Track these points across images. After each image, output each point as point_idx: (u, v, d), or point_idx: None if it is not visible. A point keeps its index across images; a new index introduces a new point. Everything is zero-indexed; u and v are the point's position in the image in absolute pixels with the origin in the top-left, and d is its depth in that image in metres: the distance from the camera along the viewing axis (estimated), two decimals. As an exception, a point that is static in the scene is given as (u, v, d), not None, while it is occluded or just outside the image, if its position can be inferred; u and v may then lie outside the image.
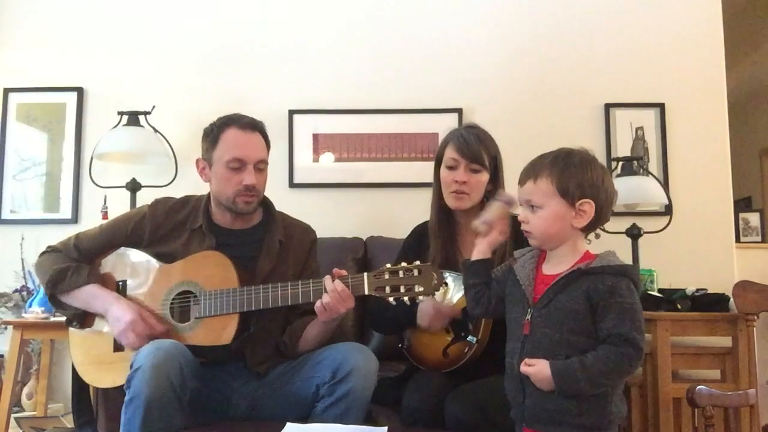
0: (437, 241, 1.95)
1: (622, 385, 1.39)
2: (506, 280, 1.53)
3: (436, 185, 1.98)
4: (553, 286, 1.40)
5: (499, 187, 1.94)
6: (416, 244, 2.03)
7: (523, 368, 1.36)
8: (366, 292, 1.66)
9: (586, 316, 1.34)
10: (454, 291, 1.86)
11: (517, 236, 1.92)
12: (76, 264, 1.86)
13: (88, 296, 1.83)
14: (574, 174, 1.40)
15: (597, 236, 1.84)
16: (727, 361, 2.47)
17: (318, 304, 1.69)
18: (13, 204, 3.09)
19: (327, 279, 1.69)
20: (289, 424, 1.51)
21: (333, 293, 1.66)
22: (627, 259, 2.81)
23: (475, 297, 1.57)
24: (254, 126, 1.89)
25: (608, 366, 1.31)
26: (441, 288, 1.72)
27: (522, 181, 1.45)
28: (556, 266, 1.43)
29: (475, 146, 1.88)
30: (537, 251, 1.49)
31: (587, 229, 1.44)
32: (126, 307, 1.77)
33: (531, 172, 1.44)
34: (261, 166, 1.88)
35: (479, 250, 1.59)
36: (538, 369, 1.34)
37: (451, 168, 1.90)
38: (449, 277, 1.85)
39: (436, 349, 1.87)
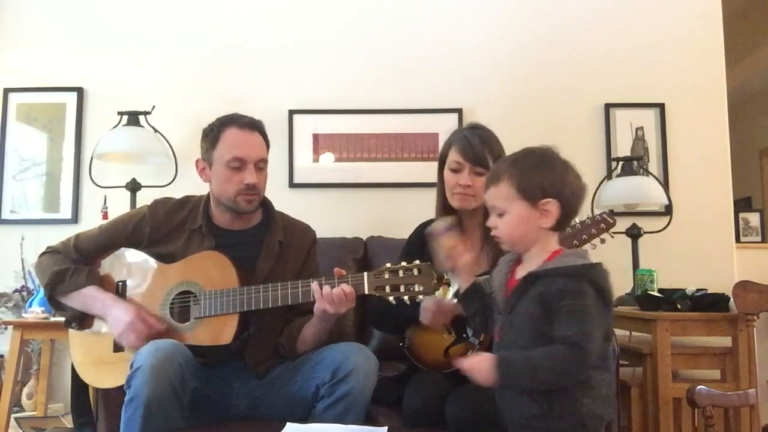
0: None
1: (599, 388, 1.34)
2: None
3: (440, 185, 1.98)
4: (514, 291, 1.38)
5: None
6: (419, 242, 2.02)
7: (458, 364, 1.35)
8: (366, 292, 1.66)
9: (544, 320, 1.31)
10: (455, 289, 1.85)
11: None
12: (75, 266, 1.86)
13: (86, 298, 1.83)
14: (533, 174, 1.37)
15: (603, 241, 1.85)
16: (727, 361, 2.47)
17: (316, 306, 1.69)
18: (13, 204, 3.09)
19: (314, 286, 1.68)
20: (289, 424, 1.51)
21: (323, 300, 1.67)
22: (627, 259, 2.82)
23: (481, 322, 1.53)
24: (254, 125, 1.89)
25: (551, 365, 1.28)
26: (442, 287, 1.71)
27: (486, 187, 1.44)
28: (526, 269, 1.40)
29: (479, 149, 1.87)
30: (514, 255, 1.47)
31: (558, 228, 1.40)
32: (125, 309, 1.77)
33: (492, 176, 1.43)
34: (261, 165, 1.88)
35: (460, 282, 1.55)
36: (473, 362, 1.33)
37: (455, 171, 1.90)
38: (453, 277, 1.85)
39: (437, 350, 1.86)
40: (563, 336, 1.27)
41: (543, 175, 1.37)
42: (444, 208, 1.98)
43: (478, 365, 1.32)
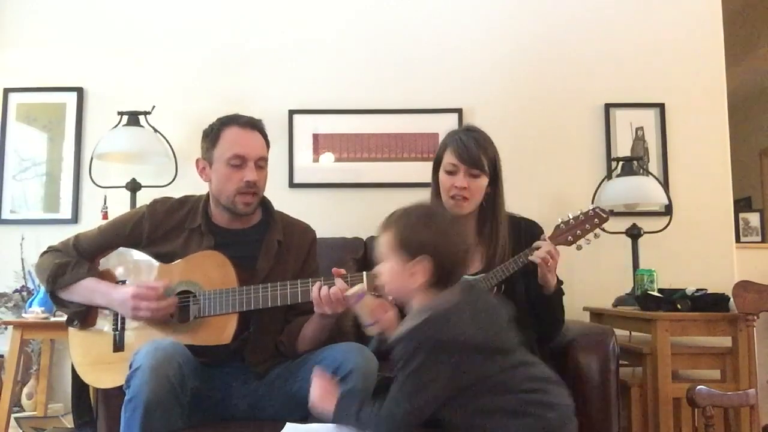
0: None
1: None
2: None
3: (435, 187, 1.98)
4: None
5: (498, 191, 1.94)
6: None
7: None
8: (366, 292, 1.66)
9: None
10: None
11: (512, 237, 1.93)
12: (75, 259, 1.87)
13: (87, 290, 1.83)
14: (410, 231, 1.39)
15: (596, 236, 1.85)
16: (727, 361, 2.47)
17: (314, 296, 1.70)
18: (13, 204, 3.09)
19: (314, 288, 1.69)
20: (288, 424, 1.51)
21: (321, 303, 1.68)
22: (627, 259, 2.83)
23: None
24: (254, 125, 1.90)
25: (370, 422, 1.33)
26: None
27: (377, 234, 1.46)
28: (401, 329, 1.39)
29: (474, 151, 1.87)
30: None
31: (436, 286, 1.38)
32: (124, 288, 1.80)
33: (381, 225, 1.44)
34: (261, 164, 1.88)
35: (388, 335, 1.48)
36: (318, 395, 1.42)
37: (450, 173, 1.90)
38: None
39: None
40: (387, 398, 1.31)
41: (420, 232, 1.38)
42: None
43: (327, 395, 1.41)
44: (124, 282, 1.88)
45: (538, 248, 1.78)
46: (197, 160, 1.93)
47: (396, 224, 1.41)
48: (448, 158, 1.91)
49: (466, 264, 1.42)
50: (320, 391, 1.44)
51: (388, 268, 1.41)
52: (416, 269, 1.37)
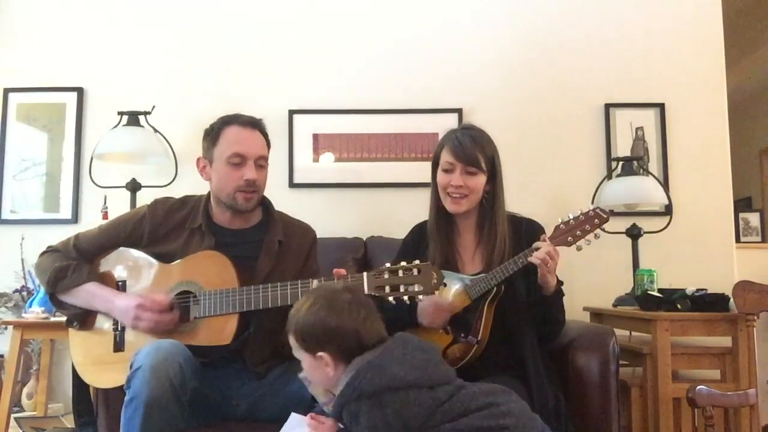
0: (435, 242, 1.96)
1: None
2: None
3: (434, 187, 1.98)
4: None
5: (497, 188, 1.94)
6: (415, 242, 2.03)
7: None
8: (366, 292, 1.66)
9: None
10: (451, 289, 1.86)
11: (512, 237, 1.93)
12: (76, 262, 1.86)
13: (88, 295, 1.83)
14: (303, 326, 1.40)
15: (597, 236, 1.85)
16: (727, 361, 2.47)
17: None
18: (13, 204, 3.09)
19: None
20: (294, 414, 1.50)
21: None
22: (627, 259, 2.83)
23: None
24: (255, 124, 1.91)
25: None
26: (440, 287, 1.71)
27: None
28: None
29: (470, 149, 1.87)
30: None
31: (348, 359, 1.38)
32: (128, 297, 1.79)
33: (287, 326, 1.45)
34: (261, 163, 1.89)
35: None
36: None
37: (447, 171, 1.90)
38: (448, 277, 1.85)
39: (435, 350, 1.87)
40: None
41: (314, 326, 1.38)
42: (437, 209, 1.98)
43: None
44: (124, 282, 1.88)
45: (537, 249, 1.78)
46: (198, 159, 1.94)
47: (293, 326, 1.42)
48: (445, 157, 1.91)
49: (368, 330, 1.39)
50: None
51: (306, 366, 1.42)
52: (323, 362, 1.38)
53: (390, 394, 1.29)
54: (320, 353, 1.38)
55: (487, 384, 1.42)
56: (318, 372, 1.40)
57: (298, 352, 1.43)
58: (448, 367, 1.40)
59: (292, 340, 1.43)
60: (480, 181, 1.90)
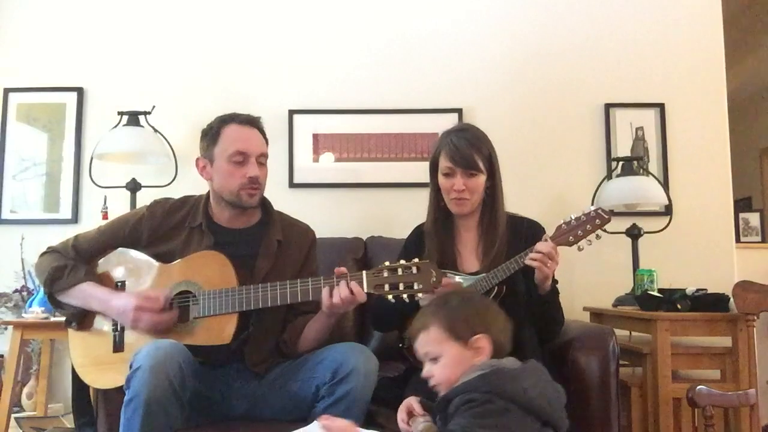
0: (434, 241, 1.96)
1: None
2: None
3: (433, 188, 1.99)
4: (436, 419, 1.38)
5: (496, 184, 1.95)
6: (417, 243, 2.03)
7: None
8: (365, 290, 1.67)
9: None
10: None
11: (511, 237, 1.93)
12: (73, 262, 1.86)
13: (85, 295, 1.83)
14: (458, 313, 1.39)
15: (598, 237, 1.85)
16: (727, 361, 2.47)
17: (326, 301, 1.69)
18: (13, 204, 3.09)
19: (325, 293, 1.69)
20: (316, 422, 1.47)
21: (333, 305, 1.68)
22: (627, 259, 2.83)
23: None
24: (253, 122, 1.91)
25: None
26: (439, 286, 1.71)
27: (414, 337, 1.43)
28: None
29: (467, 153, 1.88)
30: None
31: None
32: (125, 297, 1.78)
33: (419, 323, 1.42)
34: (262, 160, 1.90)
35: None
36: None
37: (447, 175, 1.91)
38: (457, 278, 1.86)
39: (435, 350, 1.86)
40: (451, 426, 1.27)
41: (467, 312, 1.39)
42: (437, 209, 1.99)
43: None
44: (123, 283, 1.88)
45: (539, 248, 1.78)
46: (197, 159, 1.94)
47: (438, 314, 1.39)
48: (444, 162, 1.92)
49: (509, 336, 1.41)
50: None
51: (448, 359, 1.37)
52: (477, 349, 1.36)
53: (513, 407, 1.28)
54: (478, 336, 1.36)
55: None
56: (463, 364, 1.36)
57: (439, 346, 1.38)
58: (565, 415, 1.37)
59: (436, 333, 1.38)
60: (480, 181, 1.91)
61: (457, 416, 1.27)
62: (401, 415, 1.47)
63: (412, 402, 1.48)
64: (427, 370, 1.41)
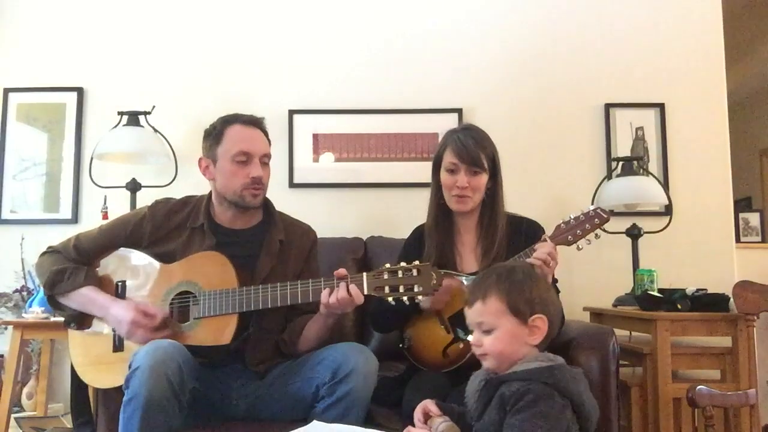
0: (433, 241, 1.97)
1: None
2: None
3: (435, 186, 2.00)
4: (479, 396, 1.37)
5: (498, 185, 1.96)
6: (416, 244, 2.03)
7: None
8: (365, 292, 1.67)
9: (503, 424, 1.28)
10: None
11: (511, 237, 1.93)
12: (74, 265, 1.86)
13: (84, 299, 1.83)
14: (521, 290, 1.36)
15: (597, 236, 1.85)
16: (727, 361, 2.47)
17: (325, 300, 1.69)
18: (13, 204, 3.09)
19: (324, 295, 1.69)
20: (315, 422, 1.47)
21: (330, 306, 1.68)
22: (627, 259, 2.82)
23: None
24: (256, 122, 1.92)
25: None
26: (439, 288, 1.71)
27: (470, 303, 1.40)
28: None
29: (473, 149, 1.90)
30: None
31: (539, 346, 1.39)
32: (124, 307, 1.78)
33: (478, 292, 1.38)
34: (265, 161, 1.90)
35: None
36: None
37: (451, 172, 1.92)
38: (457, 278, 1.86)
39: (436, 349, 1.87)
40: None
41: (531, 290, 1.37)
42: (437, 208, 2.00)
43: None
44: (123, 283, 1.88)
45: (539, 248, 1.78)
46: (200, 159, 1.94)
47: (501, 287, 1.36)
48: (449, 158, 1.92)
49: (559, 321, 1.41)
50: None
51: (503, 333, 1.35)
52: (534, 328, 1.35)
53: (569, 407, 1.28)
54: (538, 315, 1.35)
55: None
56: (517, 341, 1.35)
57: (496, 319, 1.35)
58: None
59: (495, 304, 1.35)
60: (483, 180, 1.92)
61: (516, 413, 1.25)
62: (418, 415, 1.45)
63: (427, 404, 1.46)
64: (476, 338, 1.39)
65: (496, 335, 1.36)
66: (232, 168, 1.85)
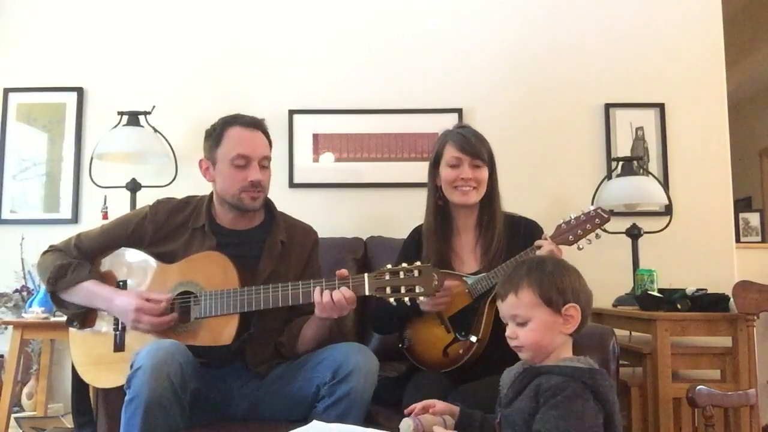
0: (430, 241, 1.97)
1: None
2: None
3: (432, 186, 2.00)
4: (513, 384, 1.37)
5: (494, 182, 1.96)
6: (415, 245, 2.03)
7: None
8: (367, 293, 1.67)
9: (535, 416, 1.28)
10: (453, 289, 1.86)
11: (511, 236, 1.94)
12: (77, 261, 1.86)
13: (88, 293, 1.83)
14: (553, 280, 1.36)
15: (598, 236, 1.85)
16: (727, 361, 2.47)
17: (317, 299, 1.69)
18: (13, 204, 3.09)
19: (316, 295, 1.69)
20: (315, 422, 1.47)
21: (324, 308, 1.68)
22: (627, 259, 2.83)
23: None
24: (257, 124, 1.91)
25: None
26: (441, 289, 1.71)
27: (503, 296, 1.39)
28: None
29: (474, 143, 1.92)
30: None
31: (574, 335, 1.39)
32: (128, 296, 1.78)
33: (510, 285, 1.38)
34: (265, 163, 1.89)
35: None
36: None
37: (454, 166, 1.92)
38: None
39: (436, 349, 1.87)
40: (537, 430, 1.25)
41: (563, 280, 1.36)
42: (435, 208, 2.00)
43: None
44: (125, 282, 1.88)
45: (539, 247, 1.79)
46: (200, 161, 1.93)
47: (531, 278, 1.36)
48: (450, 152, 1.93)
49: (591, 309, 1.40)
50: None
51: (538, 324, 1.35)
52: (568, 317, 1.35)
53: (599, 409, 1.27)
54: (571, 304, 1.35)
55: None
56: (551, 332, 1.35)
57: (530, 311, 1.35)
58: None
59: (528, 295, 1.35)
60: (485, 175, 1.94)
61: (552, 408, 1.25)
62: (418, 405, 1.45)
63: (436, 403, 1.46)
64: (511, 331, 1.38)
65: (530, 327, 1.36)
66: (231, 171, 1.85)
